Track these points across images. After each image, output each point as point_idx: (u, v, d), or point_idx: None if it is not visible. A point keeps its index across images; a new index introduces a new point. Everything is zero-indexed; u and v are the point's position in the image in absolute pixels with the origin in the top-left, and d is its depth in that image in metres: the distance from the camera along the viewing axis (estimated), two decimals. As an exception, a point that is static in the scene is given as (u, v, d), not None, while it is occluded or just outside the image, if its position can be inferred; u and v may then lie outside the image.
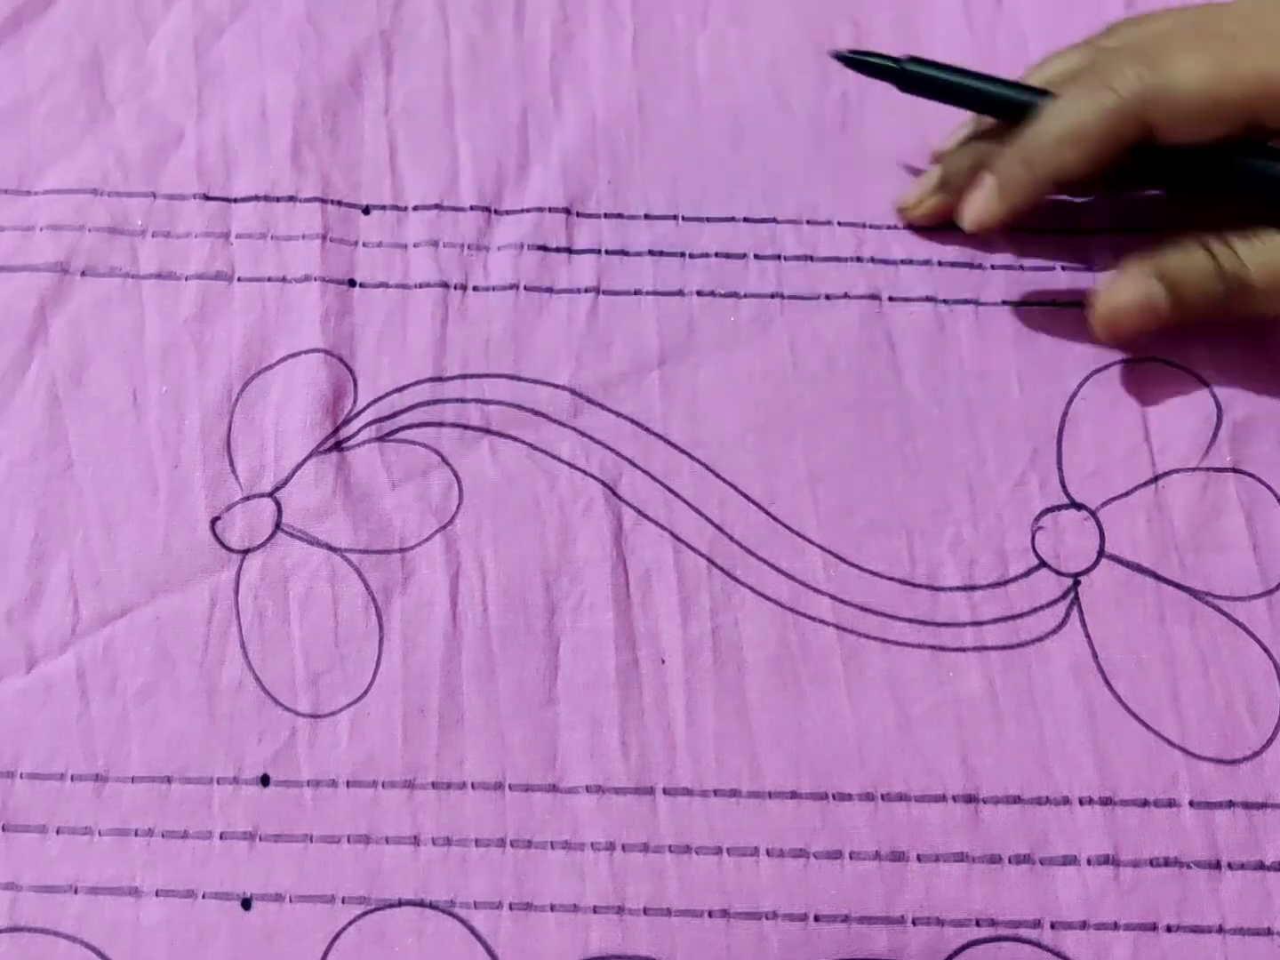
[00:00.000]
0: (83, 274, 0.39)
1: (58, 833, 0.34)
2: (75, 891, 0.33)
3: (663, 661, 0.35)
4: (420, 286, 0.39)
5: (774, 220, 0.40)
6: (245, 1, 0.43)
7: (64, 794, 0.34)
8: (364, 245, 0.40)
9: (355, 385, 0.38)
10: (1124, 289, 0.36)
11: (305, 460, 0.37)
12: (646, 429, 0.38)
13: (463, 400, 0.38)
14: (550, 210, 0.40)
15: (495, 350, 0.39)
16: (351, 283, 0.39)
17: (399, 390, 0.38)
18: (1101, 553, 0.36)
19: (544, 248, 0.40)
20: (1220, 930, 0.33)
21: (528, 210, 0.40)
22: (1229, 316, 0.36)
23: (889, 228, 0.40)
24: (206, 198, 0.40)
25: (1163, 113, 0.34)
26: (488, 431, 0.38)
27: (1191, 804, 0.34)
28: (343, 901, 0.33)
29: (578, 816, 0.34)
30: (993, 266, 0.40)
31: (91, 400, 0.38)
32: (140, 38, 0.43)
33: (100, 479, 0.37)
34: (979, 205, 0.37)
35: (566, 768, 0.34)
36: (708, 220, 0.40)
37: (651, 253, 0.40)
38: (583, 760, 0.34)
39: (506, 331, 0.39)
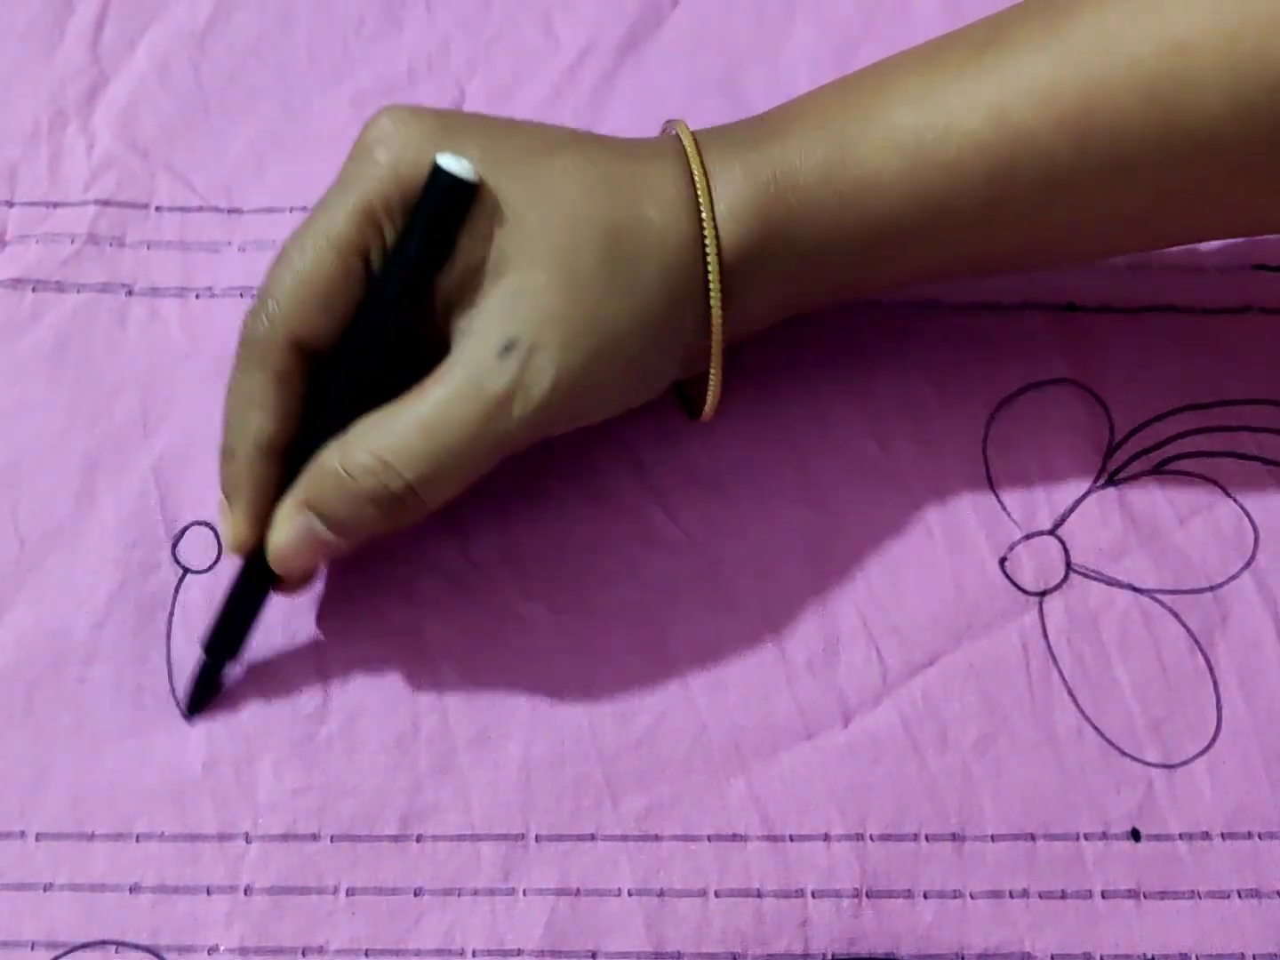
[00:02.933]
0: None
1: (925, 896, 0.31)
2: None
3: None
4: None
5: None
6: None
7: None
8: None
9: (1109, 415, 0.36)
10: (279, 530, 0.30)
11: (1084, 497, 0.35)
12: None
13: (1230, 429, 0.36)
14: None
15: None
16: (1072, 307, 0.38)
17: (1160, 419, 0.36)
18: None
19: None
20: None
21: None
22: (413, 518, 0.30)
23: None
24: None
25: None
26: (1265, 461, 0.36)
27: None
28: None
29: None
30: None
31: (826, 434, 0.36)
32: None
33: (862, 519, 0.35)
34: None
35: None
36: None
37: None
38: None
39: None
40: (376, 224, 0.30)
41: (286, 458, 0.31)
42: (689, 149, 0.31)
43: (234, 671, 0.33)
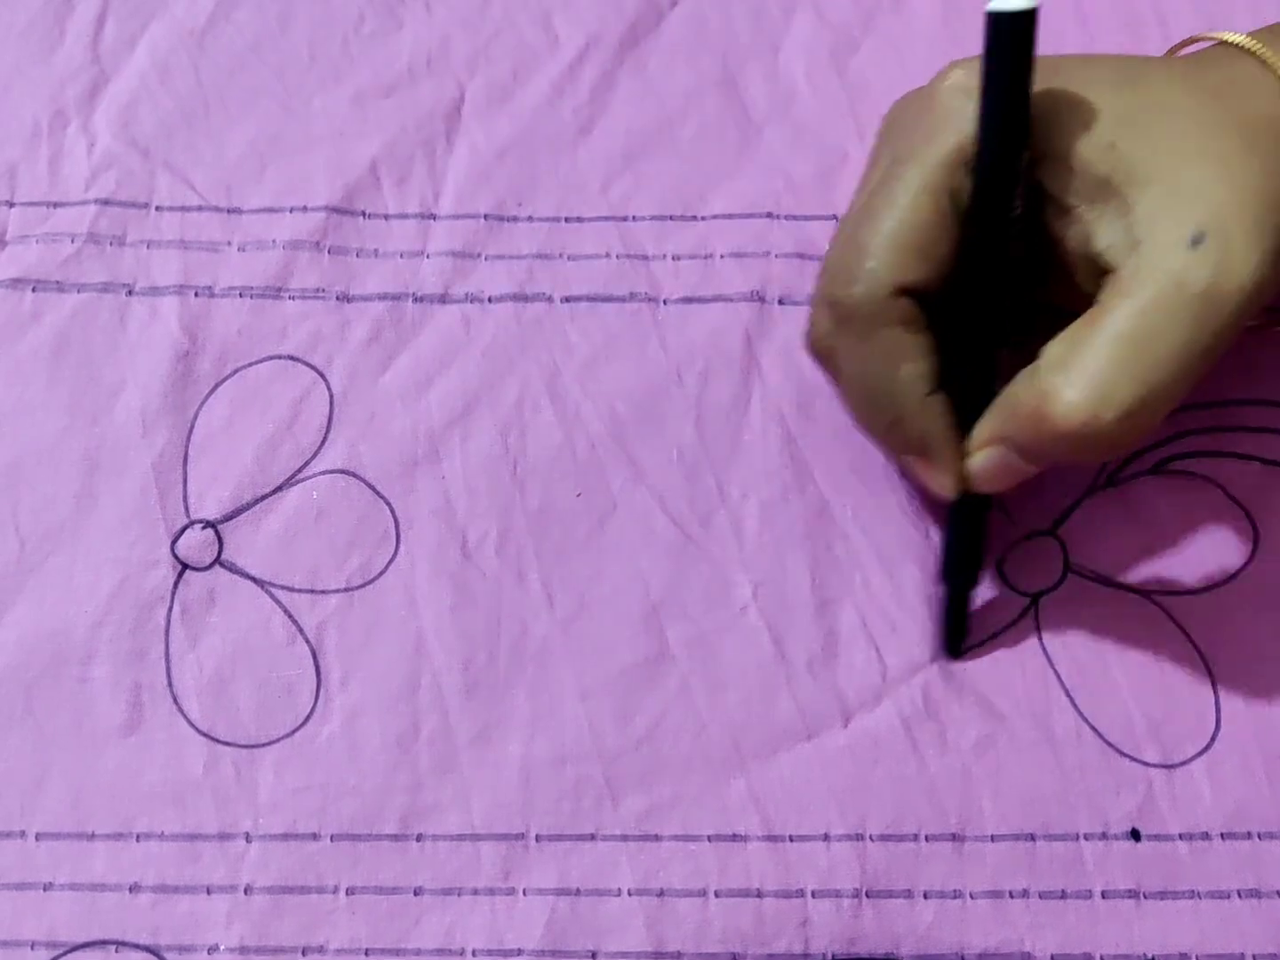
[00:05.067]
0: (780, 302, 0.38)
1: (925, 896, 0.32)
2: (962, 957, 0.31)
3: None
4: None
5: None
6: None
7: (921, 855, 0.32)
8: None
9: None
10: (977, 462, 0.31)
11: (1084, 497, 0.35)
12: None
13: (1229, 429, 0.36)
14: None
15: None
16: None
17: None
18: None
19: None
20: None
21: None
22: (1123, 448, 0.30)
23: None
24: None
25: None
26: (1264, 461, 0.36)
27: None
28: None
29: None
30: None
31: (822, 432, 0.36)
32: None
33: (860, 519, 0.35)
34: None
35: None
36: None
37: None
38: None
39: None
40: (964, 167, 0.29)
41: (945, 383, 0.31)
42: (1256, 48, 0.30)
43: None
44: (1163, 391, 0.28)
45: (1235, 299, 0.27)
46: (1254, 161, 0.28)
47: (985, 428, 0.31)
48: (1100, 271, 0.29)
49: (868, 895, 0.32)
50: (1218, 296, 0.27)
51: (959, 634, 0.34)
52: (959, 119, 0.30)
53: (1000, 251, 0.30)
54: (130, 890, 0.32)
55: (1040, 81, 0.29)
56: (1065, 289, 0.31)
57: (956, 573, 0.33)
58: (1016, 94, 0.29)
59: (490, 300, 0.37)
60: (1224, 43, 0.31)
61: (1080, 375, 0.28)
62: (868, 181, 0.32)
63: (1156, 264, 0.28)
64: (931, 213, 0.29)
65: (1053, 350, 0.29)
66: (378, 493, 0.35)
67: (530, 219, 0.38)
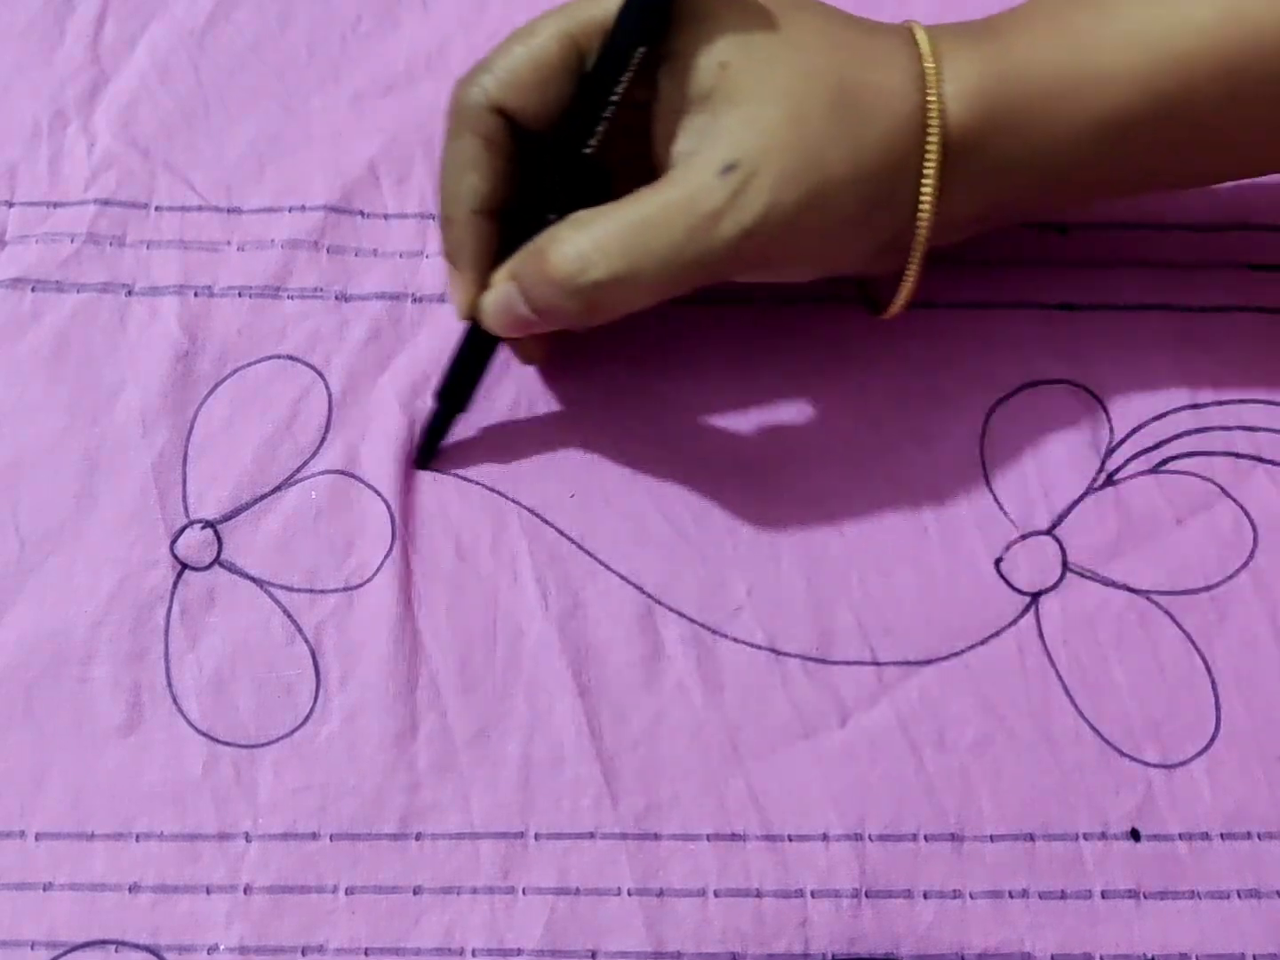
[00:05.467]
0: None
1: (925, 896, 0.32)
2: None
3: None
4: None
5: None
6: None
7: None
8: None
9: (1108, 415, 0.36)
10: (488, 294, 0.33)
11: (1082, 497, 0.35)
12: None
13: (1227, 428, 0.36)
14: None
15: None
16: (1066, 306, 0.38)
17: (1158, 419, 0.36)
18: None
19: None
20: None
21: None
22: (601, 317, 0.32)
23: None
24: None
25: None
26: (1262, 461, 0.36)
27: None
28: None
29: None
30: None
31: (822, 434, 0.36)
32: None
33: (856, 518, 0.35)
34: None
35: None
36: None
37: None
38: None
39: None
40: (600, 36, 0.31)
41: (503, 224, 0.32)
42: (919, 34, 0.31)
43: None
44: (643, 280, 0.30)
45: (734, 230, 0.29)
46: (827, 120, 0.30)
47: (505, 266, 0.32)
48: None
49: (867, 895, 0.32)
50: (716, 220, 0.29)
51: (430, 451, 0.35)
52: None
53: (587, 128, 0.31)
54: (130, 890, 0.32)
55: None
56: (639, 172, 0.32)
57: (448, 395, 0.34)
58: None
59: (488, 300, 0.37)
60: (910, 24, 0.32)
61: (585, 235, 0.30)
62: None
63: (687, 176, 0.30)
64: (554, 56, 0.31)
65: (582, 214, 0.31)
66: (376, 493, 0.35)
67: (529, 219, 0.38)
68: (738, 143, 0.30)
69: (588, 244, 0.30)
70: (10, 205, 0.38)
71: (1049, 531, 0.35)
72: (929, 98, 0.30)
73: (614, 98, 0.31)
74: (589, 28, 0.31)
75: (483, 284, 0.33)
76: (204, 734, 0.33)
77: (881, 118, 0.30)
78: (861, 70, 0.30)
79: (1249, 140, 0.32)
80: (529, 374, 0.37)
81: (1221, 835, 0.32)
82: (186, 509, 0.35)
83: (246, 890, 0.32)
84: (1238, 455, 0.36)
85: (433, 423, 0.35)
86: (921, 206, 0.31)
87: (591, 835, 0.32)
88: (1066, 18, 0.31)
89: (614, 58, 0.30)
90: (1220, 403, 0.37)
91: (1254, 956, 0.31)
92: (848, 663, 0.34)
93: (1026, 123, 0.31)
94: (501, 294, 0.32)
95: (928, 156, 0.30)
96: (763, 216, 0.29)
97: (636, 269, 0.30)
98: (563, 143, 0.31)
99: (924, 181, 0.31)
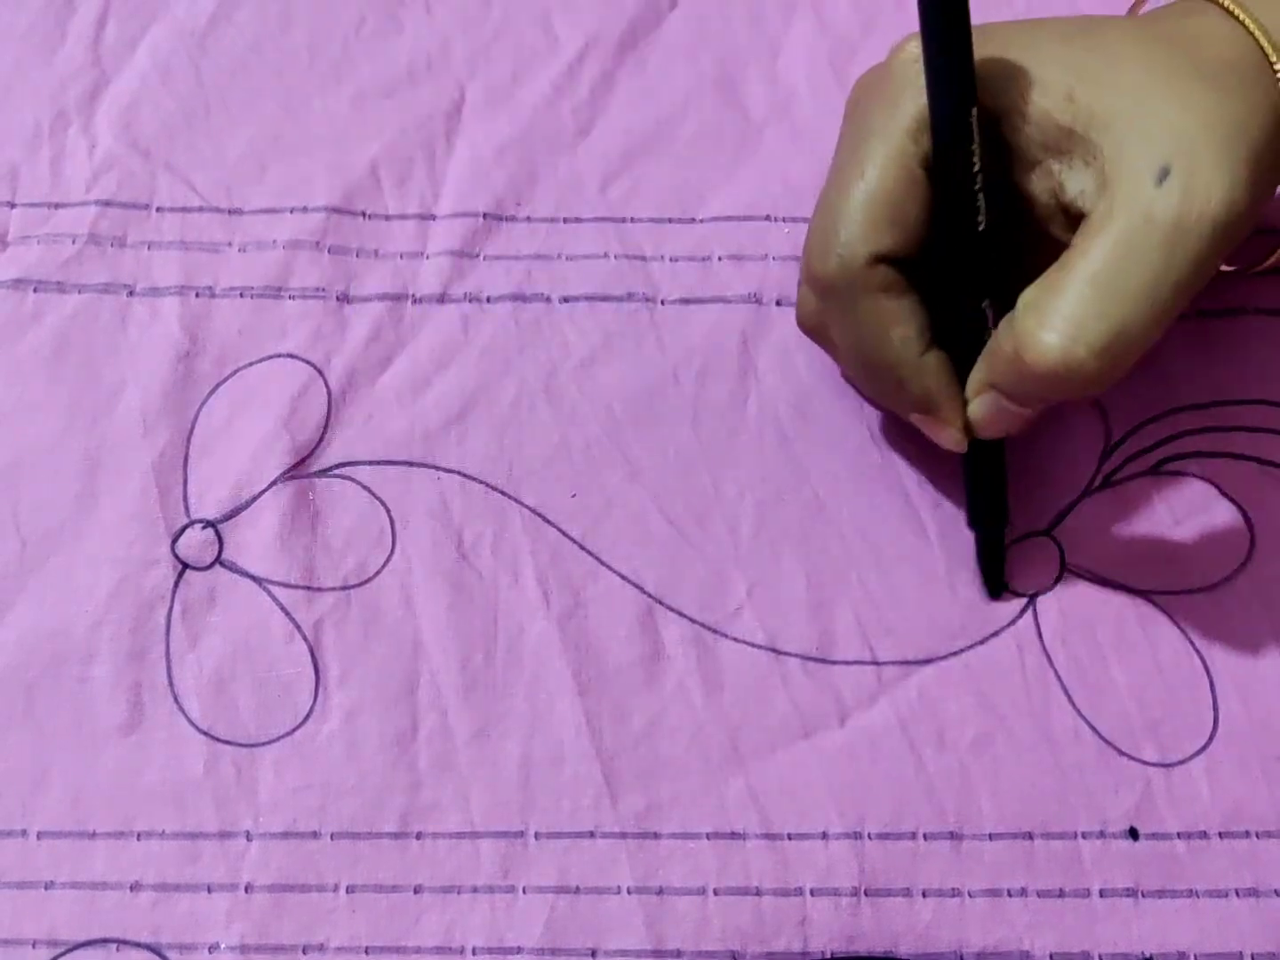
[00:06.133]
0: (777, 303, 0.38)
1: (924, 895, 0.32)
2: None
3: None
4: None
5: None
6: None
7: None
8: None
9: (1106, 416, 0.36)
10: (973, 409, 0.32)
11: (1081, 498, 0.35)
12: None
13: (1227, 429, 0.36)
14: None
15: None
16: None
17: (1157, 419, 0.36)
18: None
19: None
20: None
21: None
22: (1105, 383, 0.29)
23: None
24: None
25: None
26: (1261, 461, 0.36)
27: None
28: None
29: None
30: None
31: (818, 433, 0.36)
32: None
33: (856, 519, 0.35)
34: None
35: None
36: None
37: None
38: None
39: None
40: (924, 133, 0.30)
41: (940, 340, 0.31)
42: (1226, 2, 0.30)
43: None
44: (1136, 326, 0.28)
45: (1205, 228, 0.27)
46: (1212, 95, 0.28)
47: (975, 377, 0.31)
48: (1075, 221, 0.30)
49: (866, 894, 0.32)
50: (1187, 227, 0.27)
51: (997, 575, 0.34)
52: (915, 87, 0.30)
53: (969, 208, 0.30)
54: (131, 889, 0.32)
55: (988, 47, 0.30)
56: (1045, 244, 0.31)
57: (982, 518, 0.34)
58: (955, 51, 0.29)
59: (489, 300, 0.37)
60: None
61: (1052, 316, 0.28)
62: (838, 160, 0.32)
63: (1124, 202, 0.28)
64: (897, 180, 0.30)
65: (1028, 295, 0.29)
66: (374, 494, 0.35)
67: (529, 219, 0.38)
68: (1149, 148, 0.28)
69: (1060, 325, 0.28)
70: (12, 206, 0.38)
71: (1048, 531, 0.35)
72: (1269, 55, 0.29)
73: (975, 167, 0.29)
74: (910, 129, 0.30)
75: (961, 411, 0.32)
76: (205, 733, 0.33)
77: (1241, 77, 0.29)
78: (1194, 48, 0.29)
79: None
80: (529, 374, 0.37)
81: (1220, 834, 0.32)
82: (187, 509, 0.35)
83: (247, 889, 0.32)
84: (1237, 456, 0.36)
85: (985, 550, 0.34)
86: None
87: (591, 834, 0.32)
88: None
89: (955, 131, 0.29)
90: (1220, 403, 0.37)
91: (1252, 955, 0.31)
92: (847, 662, 0.34)
93: None
94: (989, 406, 0.31)
95: None
96: (1229, 196, 0.27)
97: (1124, 322, 0.28)
98: (957, 233, 0.30)
99: None
